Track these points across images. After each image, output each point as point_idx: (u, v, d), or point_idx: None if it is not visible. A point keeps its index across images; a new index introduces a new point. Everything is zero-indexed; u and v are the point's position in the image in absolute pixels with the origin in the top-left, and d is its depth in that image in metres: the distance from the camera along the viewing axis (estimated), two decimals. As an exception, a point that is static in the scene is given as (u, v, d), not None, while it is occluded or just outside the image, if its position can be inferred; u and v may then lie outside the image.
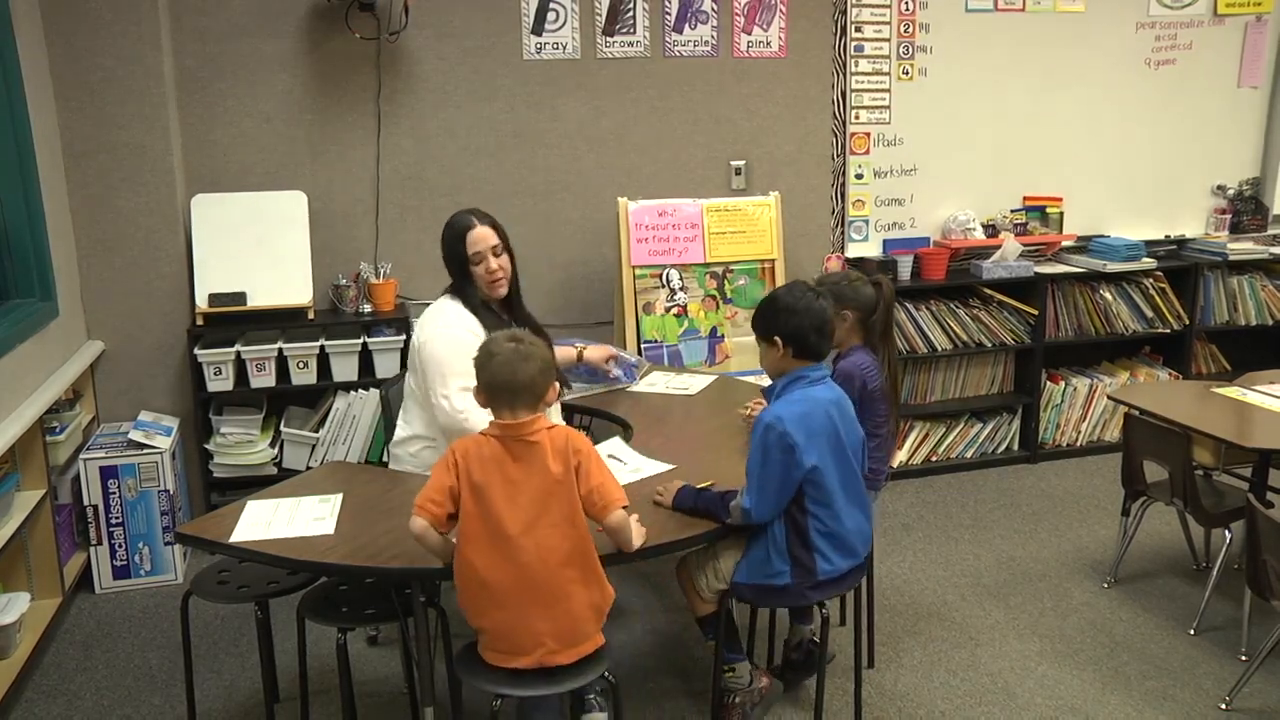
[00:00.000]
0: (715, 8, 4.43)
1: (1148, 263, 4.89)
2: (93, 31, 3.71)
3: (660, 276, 4.22)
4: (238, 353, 3.83)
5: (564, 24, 4.28)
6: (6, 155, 3.37)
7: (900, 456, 4.73)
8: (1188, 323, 4.98)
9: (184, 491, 3.98)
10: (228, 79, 4.00)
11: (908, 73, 4.69)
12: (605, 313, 4.45)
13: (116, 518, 3.67)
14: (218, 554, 2.50)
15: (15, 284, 3.49)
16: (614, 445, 2.98)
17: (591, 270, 4.48)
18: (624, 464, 2.82)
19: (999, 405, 4.90)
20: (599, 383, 3.53)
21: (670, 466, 2.80)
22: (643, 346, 4.15)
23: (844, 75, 4.63)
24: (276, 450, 3.94)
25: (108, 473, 3.63)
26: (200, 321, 3.84)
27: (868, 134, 4.71)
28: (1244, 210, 5.22)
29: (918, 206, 4.84)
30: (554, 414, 3.03)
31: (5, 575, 3.33)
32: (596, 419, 3.42)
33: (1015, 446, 4.93)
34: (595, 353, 3.49)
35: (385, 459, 3.17)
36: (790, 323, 2.52)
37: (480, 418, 2.78)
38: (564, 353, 3.42)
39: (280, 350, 3.87)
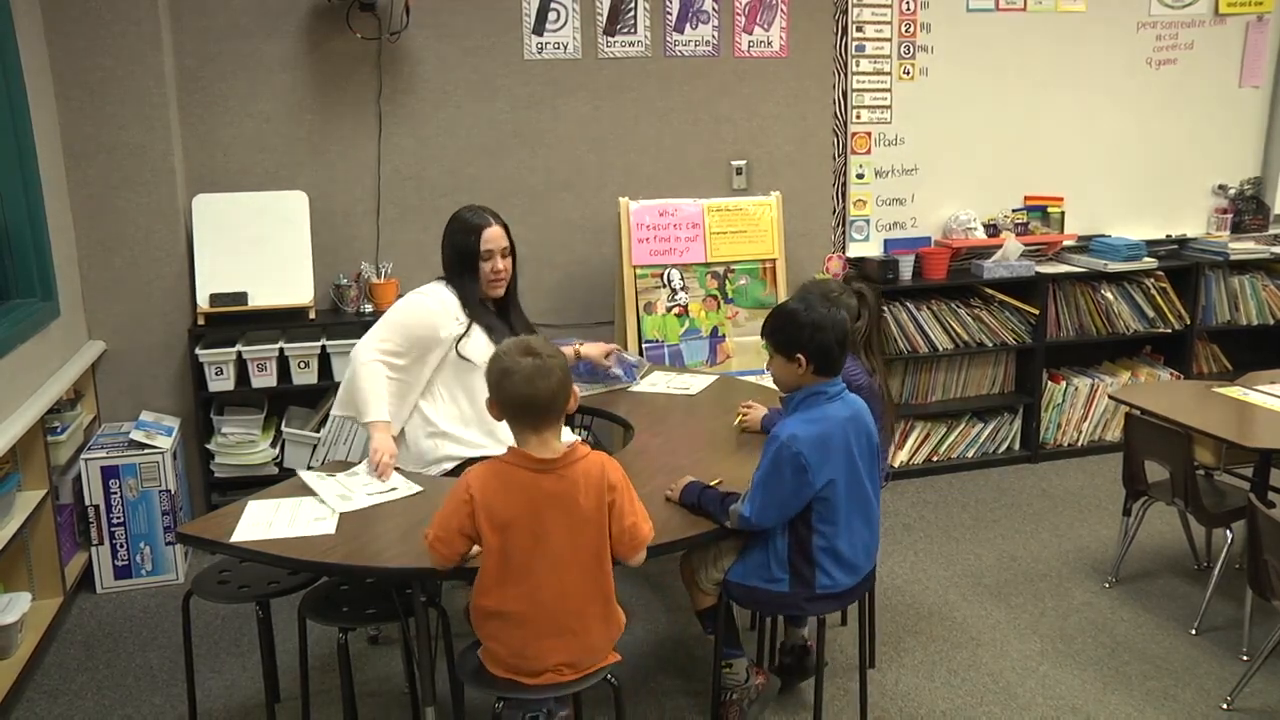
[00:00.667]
0: (716, 7, 4.43)
1: (1149, 262, 4.88)
2: (93, 31, 3.71)
3: (661, 276, 4.22)
4: (239, 353, 3.83)
5: (565, 24, 4.28)
6: (7, 155, 3.37)
7: (901, 456, 4.73)
8: (1189, 322, 4.97)
9: (185, 491, 3.98)
10: (228, 79, 4.00)
11: (909, 72, 4.69)
12: (605, 313, 4.45)
13: (118, 518, 3.67)
14: (218, 554, 2.50)
15: (16, 284, 3.49)
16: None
17: (591, 270, 4.47)
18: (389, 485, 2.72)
19: (1000, 405, 4.89)
20: (600, 381, 3.52)
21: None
22: (644, 346, 4.15)
23: (845, 75, 4.63)
24: (277, 450, 3.94)
25: (109, 473, 3.63)
26: (201, 321, 3.84)
27: (868, 134, 4.71)
28: (1245, 210, 5.22)
29: (919, 206, 4.84)
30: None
31: (6, 575, 3.33)
32: (597, 419, 3.42)
33: (1016, 446, 4.93)
34: (593, 349, 3.48)
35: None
36: (816, 339, 2.44)
37: (376, 368, 2.93)
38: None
39: (281, 350, 3.87)
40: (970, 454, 4.83)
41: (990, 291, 4.75)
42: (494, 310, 3.10)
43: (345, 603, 2.64)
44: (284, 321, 3.94)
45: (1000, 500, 4.45)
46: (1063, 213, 4.94)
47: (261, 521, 2.48)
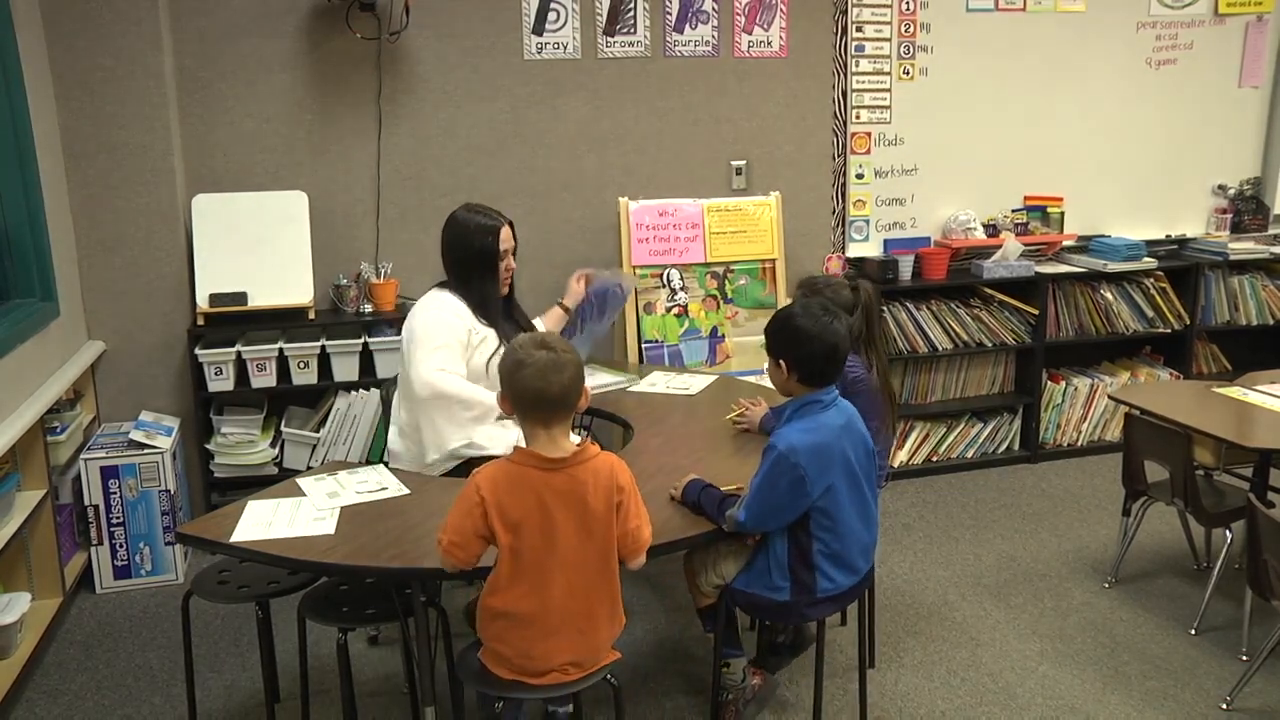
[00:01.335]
0: (716, 8, 4.43)
1: (1148, 262, 4.88)
2: (93, 31, 3.71)
3: (661, 276, 4.22)
4: (238, 353, 3.83)
5: (564, 24, 4.28)
6: (7, 155, 3.37)
7: (900, 456, 4.73)
8: (1188, 322, 4.98)
9: (184, 491, 3.98)
10: (228, 79, 4.00)
11: (908, 72, 4.69)
12: (606, 313, 4.45)
13: (117, 518, 3.67)
14: (218, 554, 2.50)
15: (16, 284, 3.49)
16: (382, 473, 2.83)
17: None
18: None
19: (1000, 405, 4.89)
20: (609, 308, 3.52)
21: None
22: (644, 347, 4.15)
23: (844, 75, 4.63)
24: (277, 450, 3.94)
25: (108, 473, 3.63)
26: (201, 321, 3.84)
27: (868, 134, 4.71)
28: (1245, 210, 5.22)
29: (918, 206, 4.84)
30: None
31: (6, 575, 3.33)
32: (597, 419, 3.42)
33: (1016, 446, 4.93)
34: (574, 290, 3.50)
35: (386, 458, 3.17)
36: (801, 350, 2.43)
37: (457, 378, 2.85)
38: (553, 318, 3.48)
39: (281, 350, 3.87)
40: (970, 454, 4.83)
41: (990, 291, 4.75)
42: (502, 311, 3.11)
43: (345, 603, 2.65)
44: (284, 321, 3.94)
45: (1000, 500, 4.45)
46: (1062, 213, 4.94)
47: (261, 521, 2.48)
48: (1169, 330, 4.96)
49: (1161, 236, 5.14)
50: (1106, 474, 4.67)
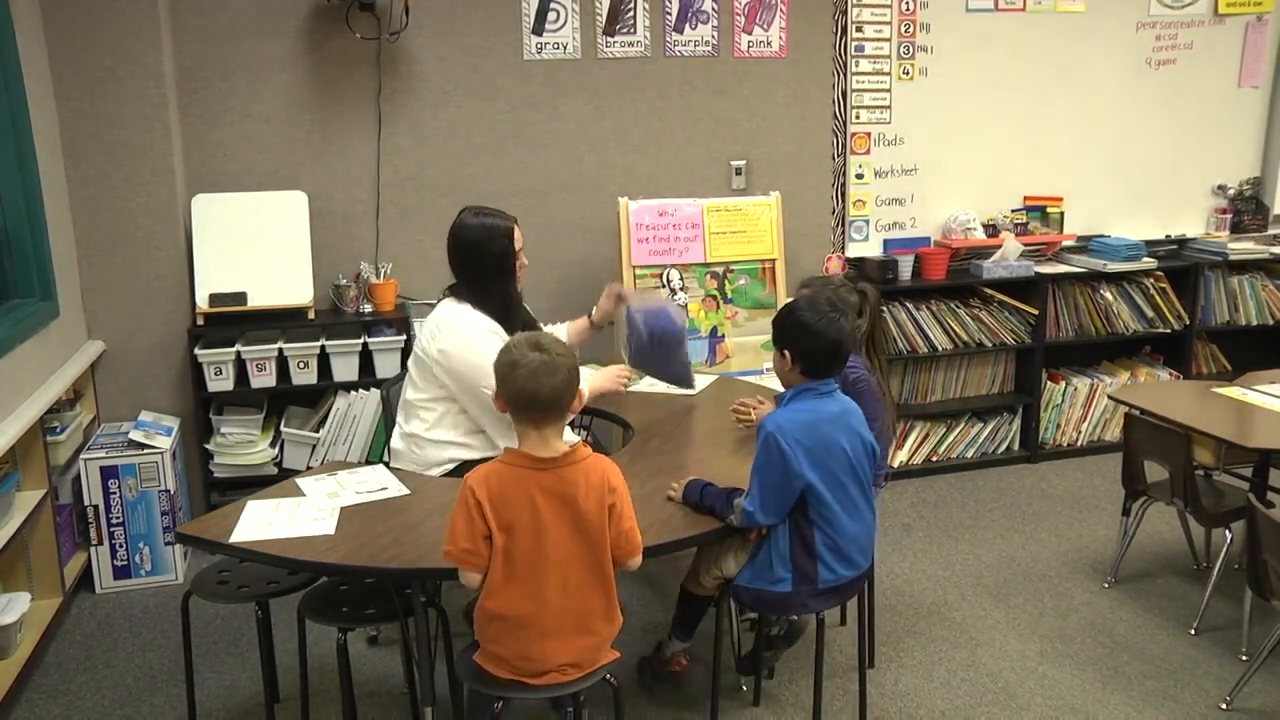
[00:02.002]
0: (715, 8, 4.43)
1: (1148, 262, 4.89)
2: (93, 31, 3.71)
3: (661, 276, 4.22)
4: (238, 353, 3.83)
5: (564, 24, 4.28)
6: (7, 155, 3.37)
7: (900, 456, 4.73)
8: (1188, 322, 4.98)
9: (184, 491, 3.98)
10: (228, 79, 4.00)
11: (908, 73, 4.69)
12: (605, 313, 4.45)
13: (117, 518, 3.67)
14: (218, 554, 2.50)
15: (15, 284, 3.49)
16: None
17: (591, 270, 4.47)
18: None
19: (999, 405, 4.90)
20: (669, 350, 3.26)
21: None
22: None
23: (844, 75, 4.63)
24: (277, 450, 3.94)
25: (108, 473, 3.63)
26: (201, 321, 3.84)
27: (868, 134, 4.71)
28: (1244, 210, 5.22)
29: (918, 206, 4.84)
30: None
31: (5, 575, 3.33)
32: (597, 419, 3.42)
33: (1016, 446, 4.93)
34: (603, 307, 3.32)
35: (386, 458, 3.17)
36: (804, 342, 2.49)
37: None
38: (575, 330, 3.36)
39: (280, 350, 3.87)
40: (970, 454, 4.83)
41: (990, 292, 4.75)
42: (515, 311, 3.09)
43: (345, 603, 2.65)
44: (283, 321, 3.93)
45: (1000, 500, 4.45)
46: (1062, 213, 4.94)
47: (261, 521, 2.48)
48: (1169, 330, 4.96)
49: (1161, 236, 5.14)
50: (1106, 474, 4.67)
